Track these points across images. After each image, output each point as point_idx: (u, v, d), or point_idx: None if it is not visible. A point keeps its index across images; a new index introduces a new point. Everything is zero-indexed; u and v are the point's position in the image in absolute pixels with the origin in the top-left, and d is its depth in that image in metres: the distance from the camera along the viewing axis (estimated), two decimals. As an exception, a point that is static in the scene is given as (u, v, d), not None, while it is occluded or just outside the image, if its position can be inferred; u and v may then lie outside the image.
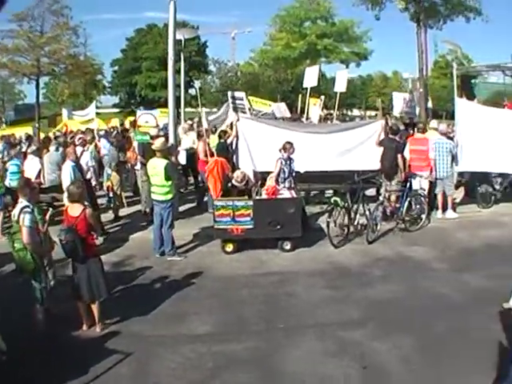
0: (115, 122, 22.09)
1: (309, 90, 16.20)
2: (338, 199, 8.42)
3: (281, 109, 18.55)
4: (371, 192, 10.64)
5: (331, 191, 11.00)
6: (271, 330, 5.55)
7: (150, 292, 6.63)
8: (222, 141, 10.59)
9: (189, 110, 23.88)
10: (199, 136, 12.07)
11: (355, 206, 8.82)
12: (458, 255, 8.12)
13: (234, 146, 10.47)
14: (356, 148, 10.62)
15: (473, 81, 29.15)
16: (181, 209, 10.51)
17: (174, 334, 5.42)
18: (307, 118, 16.57)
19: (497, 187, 11.58)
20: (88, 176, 9.36)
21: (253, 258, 7.95)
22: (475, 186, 11.49)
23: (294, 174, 8.83)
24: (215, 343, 5.20)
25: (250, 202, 8.02)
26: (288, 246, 8.07)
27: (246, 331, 5.53)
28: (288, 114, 18.34)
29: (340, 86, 17.53)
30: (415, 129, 11.67)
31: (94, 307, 5.41)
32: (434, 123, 13.19)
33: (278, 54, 35.14)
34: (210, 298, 6.41)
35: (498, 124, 10.82)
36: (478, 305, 6.02)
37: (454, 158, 10.48)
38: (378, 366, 4.78)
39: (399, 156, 9.94)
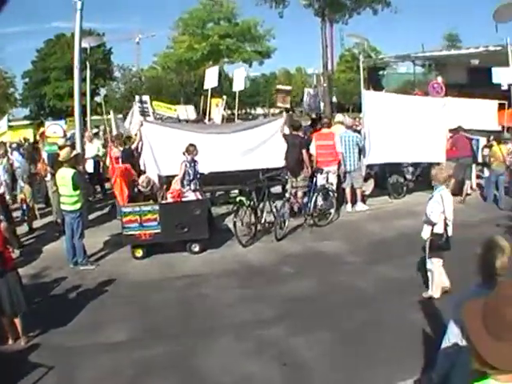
0: (29, 133, 22.67)
1: (210, 91, 18.00)
2: (243, 198, 9.36)
3: (188, 111, 20.77)
4: (277, 189, 11.72)
5: (237, 191, 11.92)
6: (188, 333, 6.15)
7: (66, 302, 7.22)
8: (127, 147, 11.68)
9: (95, 117, 25.60)
10: (106, 143, 13.41)
11: (261, 205, 9.76)
12: (370, 247, 9.17)
13: (139, 151, 11.36)
14: (260, 146, 11.63)
15: (380, 72, 32.06)
16: (90, 217, 11.37)
17: (94, 343, 5.93)
18: (209, 120, 18.13)
19: (408, 177, 13.15)
20: (1, 190, 10.14)
21: (163, 261, 8.74)
22: (385, 177, 12.83)
23: (198, 176, 9.68)
24: (134, 350, 5.75)
25: (156, 207, 8.86)
26: (197, 248, 8.94)
27: (164, 336, 6.10)
28: (194, 117, 20.27)
29: (238, 85, 19.61)
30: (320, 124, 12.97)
31: (17, 321, 5.87)
32: (339, 117, 14.66)
33: (181, 56, 38.46)
34: (124, 304, 7.02)
35: (406, 113, 12.34)
36: (395, 295, 6.85)
37: (361, 151, 11.72)
38: (297, 363, 5.37)
39: (304, 152, 11.00)
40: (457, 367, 3.47)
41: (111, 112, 17.66)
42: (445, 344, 3.58)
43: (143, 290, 7.52)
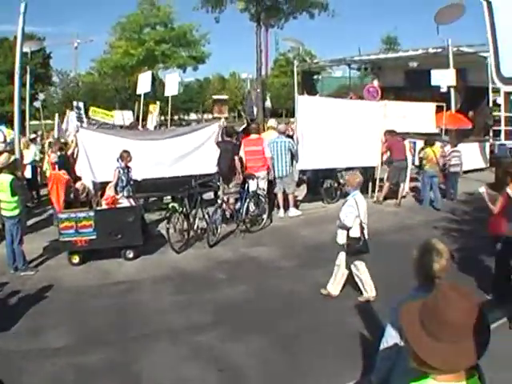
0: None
1: (142, 97, 20.19)
2: (175, 205, 10.76)
3: (125, 116, 22.79)
4: (209, 196, 13.10)
5: (169, 197, 13.34)
6: (126, 338, 7.01)
7: (8, 308, 8.05)
8: (63, 153, 12.85)
9: (34, 122, 27.03)
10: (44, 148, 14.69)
11: (194, 211, 11.01)
12: (304, 252, 10.46)
13: (74, 157, 12.63)
14: (193, 152, 13.04)
15: (315, 77, 34.44)
16: (29, 223, 12.12)
17: (35, 349, 6.71)
18: (143, 126, 20.25)
19: (342, 181, 14.72)
20: None
21: (100, 268, 9.79)
22: (318, 182, 14.53)
23: (132, 183, 10.98)
24: (74, 356, 6.52)
25: (91, 213, 9.97)
26: (131, 255, 10.08)
27: (102, 342, 6.92)
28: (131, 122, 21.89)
29: (171, 90, 21.69)
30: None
31: None
32: (271, 122, 16.01)
33: (117, 62, 41.40)
34: (64, 310, 7.92)
35: (340, 117, 14.02)
36: (331, 299, 7.94)
37: (294, 156, 13.21)
38: (233, 368, 6.17)
39: (236, 158, 12.47)
40: (396, 369, 3.68)
41: (56, 116, 19.41)
42: (383, 346, 3.82)
43: (81, 296, 8.42)
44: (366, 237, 7.74)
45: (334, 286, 8.05)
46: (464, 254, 9.47)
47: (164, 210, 12.20)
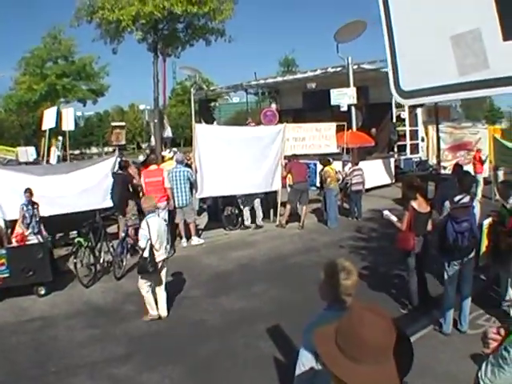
0: None
1: (48, 132, 22.03)
2: (81, 239, 11.67)
3: (28, 152, 24.69)
4: (114, 229, 14.31)
5: (75, 232, 14.16)
6: (45, 374, 7.70)
7: None
8: None
9: None
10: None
11: (99, 245, 12.17)
12: (210, 280, 11.67)
13: None
14: (95, 186, 14.13)
15: (212, 104, 36.45)
16: None
17: None
18: (47, 161, 22.06)
19: (242, 208, 16.34)
20: None
21: (15, 305, 10.61)
22: (219, 209, 16.11)
23: (37, 219, 12.11)
24: None
25: (3, 251, 10.89)
26: (43, 291, 10.97)
27: (23, 378, 7.62)
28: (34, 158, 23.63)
29: (68, 125, 23.58)
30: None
31: None
32: (169, 153, 17.74)
33: (22, 97, 43.16)
34: None
35: (239, 144, 15.55)
36: (241, 325, 8.97)
37: (193, 185, 14.66)
38: None
39: (130, 188, 13.95)
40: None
41: None
42: (299, 370, 3.87)
43: (1, 333, 9.23)
44: (158, 259, 9.20)
45: (151, 308, 9.53)
46: (374, 270, 10.98)
47: (71, 245, 12.93)
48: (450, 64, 1.64)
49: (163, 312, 9.55)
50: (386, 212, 9.36)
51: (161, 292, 9.57)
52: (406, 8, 1.75)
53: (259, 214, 16.41)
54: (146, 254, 9.06)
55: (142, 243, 9.07)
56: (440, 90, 1.70)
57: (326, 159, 17.21)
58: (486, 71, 1.54)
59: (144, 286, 9.32)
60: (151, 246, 9.08)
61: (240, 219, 16.37)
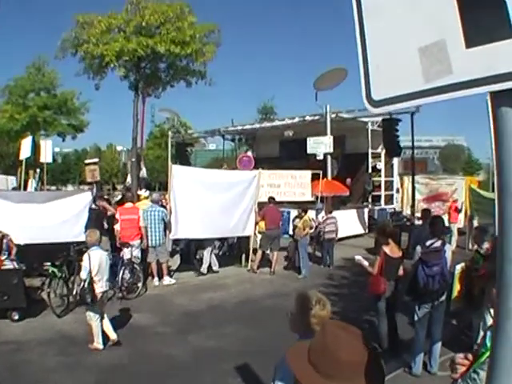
0: None
1: (24, 162, 21.89)
2: (55, 270, 11.91)
3: (9, 182, 25.06)
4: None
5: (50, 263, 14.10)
6: None
7: None
8: None
9: None
10: None
11: (72, 277, 12.20)
12: (180, 318, 11.84)
13: None
14: (71, 219, 14.15)
15: (189, 149, 36.87)
16: None
17: None
18: None
19: (215, 251, 16.62)
20: None
21: None
22: (191, 252, 16.30)
23: (11, 249, 12.16)
24: None
25: None
26: (16, 317, 11.16)
27: None
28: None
29: (46, 157, 24.00)
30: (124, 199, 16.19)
31: None
32: (145, 192, 17.86)
33: (3, 126, 42.66)
34: None
35: (214, 187, 15.83)
36: (209, 363, 9.11)
37: (167, 226, 14.86)
38: None
39: (105, 224, 14.17)
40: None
41: None
42: None
43: None
44: (98, 291, 9.55)
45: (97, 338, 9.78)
46: (344, 315, 10.62)
47: (44, 276, 13.00)
48: (417, 73, 1.79)
49: (112, 335, 9.91)
50: (357, 257, 9.55)
51: (104, 321, 9.95)
52: (380, 21, 1.91)
53: (213, 259, 16.46)
54: (85, 285, 9.46)
55: (82, 274, 9.52)
56: (406, 97, 1.84)
57: (304, 208, 17.50)
58: (449, 76, 1.70)
59: (92, 316, 9.71)
60: (91, 278, 9.48)
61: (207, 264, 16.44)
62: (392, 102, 1.93)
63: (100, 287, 9.57)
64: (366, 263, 9.35)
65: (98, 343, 9.69)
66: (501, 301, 1.69)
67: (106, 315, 10.00)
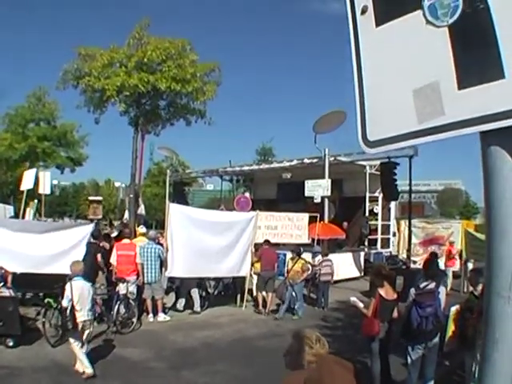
0: None
1: (25, 193, 22.17)
2: (51, 300, 11.81)
3: (6, 211, 24.59)
4: None
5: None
6: None
7: None
8: None
9: None
10: None
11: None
12: (174, 354, 11.88)
13: None
14: (69, 251, 13.91)
15: (187, 188, 37.03)
16: None
17: None
18: None
19: (210, 290, 16.82)
20: None
21: None
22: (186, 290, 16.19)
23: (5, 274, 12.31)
24: None
25: None
26: (11, 343, 11.36)
27: None
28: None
29: (45, 188, 24.64)
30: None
31: None
32: (142, 228, 17.82)
33: (2, 154, 42.62)
34: None
35: (211, 227, 15.96)
36: None
37: (163, 263, 14.94)
38: None
39: (99, 258, 14.39)
40: None
41: None
42: None
43: None
44: (83, 318, 9.84)
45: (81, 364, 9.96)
46: (338, 356, 11.21)
47: (39, 306, 13.18)
48: (411, 114, 1.88)
49: (86, 369, 9.96)
50: (353, 298, 9.53)
51: (85, 349, 10.17)
52: (376, 64, 2.02)
53: (197, 299, 16.38)
54: (67, 313, 9.81)
55: (64, 302, 9.91)
56: (401, 137, 1.92)
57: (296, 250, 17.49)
58: (441, 117, 1.79)
59: (74, 344, 9.97)
60: (72, 307, 9.78)
61: (207, 302, 16.64)
62: (387, 143, 2.02)
63: (81, 316, 9.85)
64: (361, 305, 9.35)
65: (86, 367, 9.86)
66: (488, 332, 1.76)
67: (86, 345, 10.23)
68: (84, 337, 10.02)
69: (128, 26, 25.93)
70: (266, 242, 17.55)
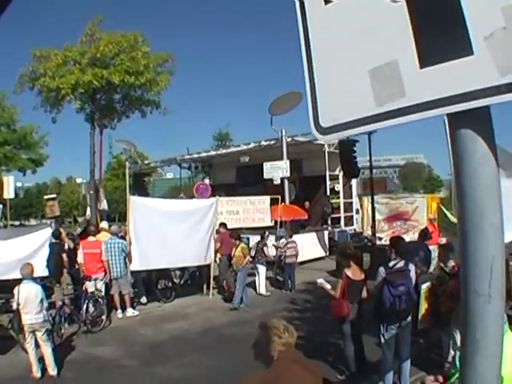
0: None
1: None
2: None
3: None
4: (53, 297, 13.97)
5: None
6: None
7: None
8: None
9: None
10: None
11: None
12: (145, 350, 11.73)
13: None
14: (33, 255, 13.78)
15: (147, 179, 36.75)
16: None
17: None
18: None
19: (176, 281, 16.72)
20: None
21: None
22: (153, 282, 16.29)
23: None
24: None
25: None
26: None
27: None
28: None
29: (9, 193, 24.19)
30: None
31: None
32: (104, 224, 17.71)
33: None
34: None
35: (172, 217, 15.77)
36: None
37: (127, 257, 14.73)
38: None
39: (64, 258, 14.16)
40: None
41: None
42: None
43: None
44: (29, 322, 9.81)
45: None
46: (309, 339, 10.87)
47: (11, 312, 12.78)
48: (368, 97, 1.70)
49: (51, 371, 10.03)
50: (320, 280, 9.45)
51: (45, 352, 10.08)
52: (327, 45, 1.82)
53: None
54: (15, 314, 10.01)
55: (14, 305, 10.10)
56: (357, 123, 1.73)
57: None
58: (402, 99, 1.61)
59: (27, 345, 10.00)
60: (18, 309, 9.86)
61: (173, 292, 16.46)
62: (341, 129, 1.82)
63: (28, 319, 9.83)
64: (328, 286, 9.24)
65: (35, 371, 9.88)
66: (468, 333, 1.62)
67: (47, 349, 10.10)
68: (39, 339, 10.00)
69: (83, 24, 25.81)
70: (223, 225, 17.55)
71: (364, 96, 1.73)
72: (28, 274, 10.00)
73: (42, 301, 10.01)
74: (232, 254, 16.19)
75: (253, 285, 17.81)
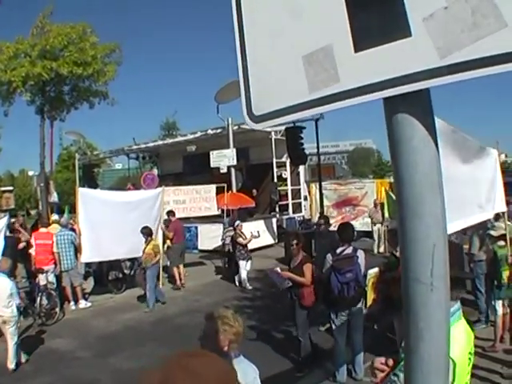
0: None
1: None
2: None
3: None
4: None
5: None
6: None
7: None
8: None
9: None
10: None
11: None
12: (99, 341, 11.78)
13: None
14: None
15: (96, 170, 36.29)
16: None
17: None
18: None
19: (126, 272, 16.73)
20: None
21: None
22: (104, 273, 16.24)
23: None
24: None
25: None
26: None
27: None
28: None
29: None
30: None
31: None
32: (54, 216, 17.54)
33: None
34: None
35: (121, 208, 15.69)
36: None
37: (77, 249, 14.64)
38: None
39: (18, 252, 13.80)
40: None
41: None
42: None
43: None
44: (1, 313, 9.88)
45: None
46: (260, 328, 11.21)
47: None
48: (302, 83, 1.62)
49: (10, 364, 10.03)
50: (277, 269, 9.48)
51: (10, 344, 10.08)
52: (260, 30, 1.73)
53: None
54: None
55: None
56: (290, 110, 1.66)
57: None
58: (336, 85, 1.54)
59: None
60: None
61: (124, 283, 16.54)
62: (274, 116, 1.72)
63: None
64: (291, 274, 9.05)
65: (10, 362, 10.00)
66: (410, 322, 1.56)
67: (10, 342, 10.09)
68: (6, 332, 10.09)
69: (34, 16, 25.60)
70: (172, 213, 17.63)
71: (297, 82, 1.65)
72: (5, 268, 10.14)
73: (11, 295, 9.99)
74: (142, 251, 14.96)
75: (201, 274, 18.09)
